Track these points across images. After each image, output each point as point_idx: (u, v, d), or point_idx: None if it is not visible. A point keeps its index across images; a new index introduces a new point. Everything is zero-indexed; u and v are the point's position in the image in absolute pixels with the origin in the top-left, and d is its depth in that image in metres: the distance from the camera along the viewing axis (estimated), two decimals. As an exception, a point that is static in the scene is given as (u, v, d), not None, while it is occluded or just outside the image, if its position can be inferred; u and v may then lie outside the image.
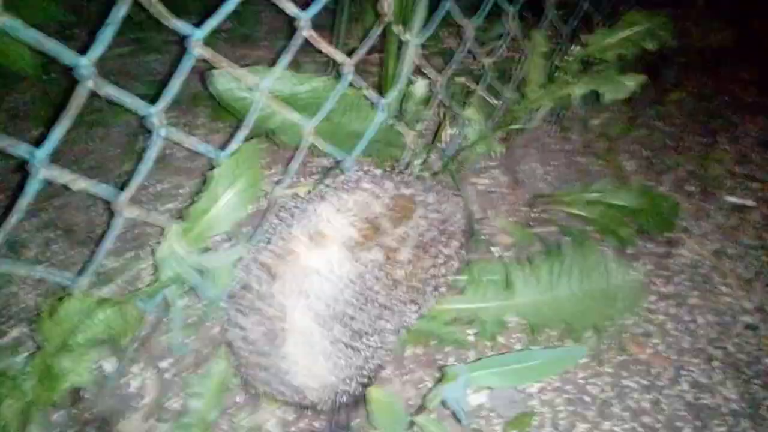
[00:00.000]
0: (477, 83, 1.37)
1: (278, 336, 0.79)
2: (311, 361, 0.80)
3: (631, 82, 1.23)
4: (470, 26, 1.19)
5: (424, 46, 1.13)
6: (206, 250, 0.96)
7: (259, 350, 0.81)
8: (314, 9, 0.92)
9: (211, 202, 0.96)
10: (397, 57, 1.16)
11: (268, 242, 0.85)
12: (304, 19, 0.89)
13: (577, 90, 1.26)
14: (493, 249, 1.31)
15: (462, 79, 1.44)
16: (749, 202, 1.55)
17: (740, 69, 2.01)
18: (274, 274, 0.80)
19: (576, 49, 1.41)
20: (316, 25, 0.92)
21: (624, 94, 1.25)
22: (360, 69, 1.01)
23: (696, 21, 1.86)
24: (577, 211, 1.37)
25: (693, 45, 1.91)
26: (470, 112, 1.29)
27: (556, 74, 1.38)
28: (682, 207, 1.51)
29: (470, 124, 1.30)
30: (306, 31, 0.90)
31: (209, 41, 0.79)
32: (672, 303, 1.28)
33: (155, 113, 0.78)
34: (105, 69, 0.73)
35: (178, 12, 0.75)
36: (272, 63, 0.94)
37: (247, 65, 0.93)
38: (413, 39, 1.11)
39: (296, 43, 0.91)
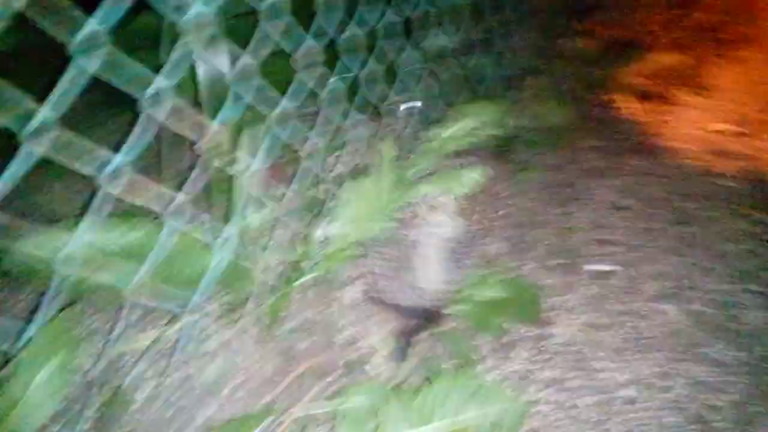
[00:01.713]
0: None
1: (409, 258, 1.25)
2: (429, 272, 1.27)
3: (476, 175, 1.26)
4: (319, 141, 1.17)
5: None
6: None
7: (394, 267, 1.25)
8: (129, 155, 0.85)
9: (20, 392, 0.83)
10: (233, 188, 1.11)
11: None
12: (104, 176, 0.82)
13: (431, 188, 1.27)
14: (367, 368, 1.25)
15: (321, 187, 1.41)
16: (610, 268, 1.62)
17: (585, 138, 2.15)
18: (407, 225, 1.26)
19: (421, 145, 1.44)
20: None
21: (469, 189, 1.27)
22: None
23: (541, 101, 1.99)
24: (448, 311, 1.35)
25: (540, 124, 2.02)
26: (331, 225, 1.26)
27: (406, 175, 1.40)
28: (547, 283, 1.55)
29: (331, 238, 1.26)
30: (113, 186, 0.83)
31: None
32: (552, 390, 1.27)
33: None
34: None
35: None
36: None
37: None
38: (245, 170, 1.08)
39: (102, 199, 0.84)
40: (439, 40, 1.53)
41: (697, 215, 1.82)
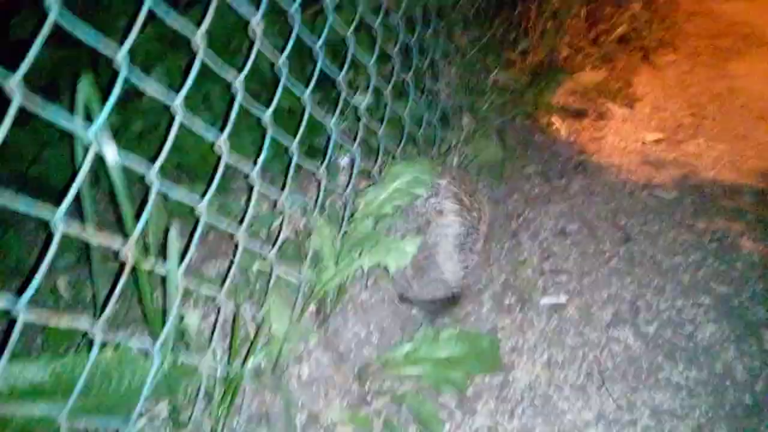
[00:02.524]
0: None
1: (434, 257, 1.46)
2: (450, 264, 1.48)
3: (411, 247, 1.24)
4: (241, 237, 1.14)
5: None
6: None
7: (421, 267, 1.47)
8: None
9: None
10: (167, 287, 1.06)
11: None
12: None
13: (366, 262, 1.25)
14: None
15: (255, 267, 1.38)
16: (564, 299, 1.62)
17: (527, 166, 2.17)
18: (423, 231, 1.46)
19: (357, 211, 1.42)
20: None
21: (407, 259, 1.25)
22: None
23: (478, 136, 2.00)
24: (408, 372, 1.32)
25: (480, 159, 2.02)
26: (268, 311, 1.22)
27: (345, 245, 1.37)
28: (505, 324, 1.55)
29: (272, 323, 1.23)
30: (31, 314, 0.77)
31: None
32: (520, 441, 1.25)
33: None
34: None
35: None
36: None
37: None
38: (173, 271, 1.03)
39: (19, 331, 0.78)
40: (367, 95, 1.52)
41: (643, 231, 1.86)
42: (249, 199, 1.16)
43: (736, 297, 1.60)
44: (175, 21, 0.85)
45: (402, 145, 1.72)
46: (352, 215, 1.46)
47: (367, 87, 1.55)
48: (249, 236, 1.15)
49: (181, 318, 1.11)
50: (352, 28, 1.38)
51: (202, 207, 0.99)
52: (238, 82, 1.01)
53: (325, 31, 1.25)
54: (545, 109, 2.40)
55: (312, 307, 1.41)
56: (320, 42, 1.24)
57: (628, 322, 1.54)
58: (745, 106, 2.64)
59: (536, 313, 1.58)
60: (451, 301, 1.57)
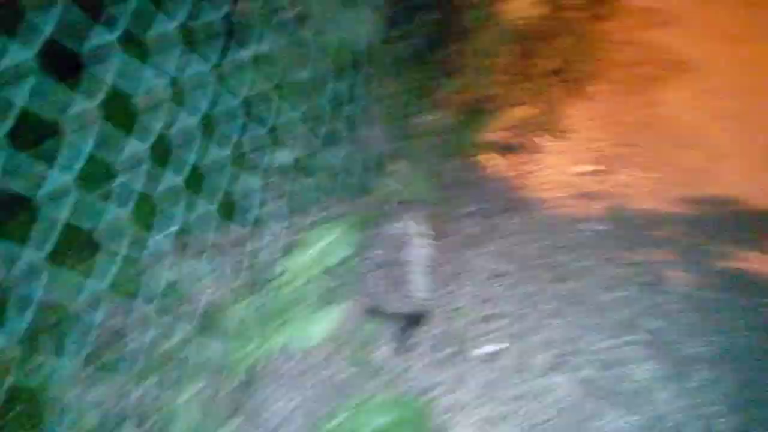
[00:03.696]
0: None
1: (405, 275, 1.54)
2: (422, 283, 1.56)
3: (323, 324, 1.19)
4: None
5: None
6: None
7: (392, 283, 1.54)
8: None
9: None
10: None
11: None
12: None
13: (280, 340, 1.19)
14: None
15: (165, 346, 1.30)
16: (498, 347, 1.59)
17: (457, 207, 2.16)
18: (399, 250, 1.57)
19: (279, 277, 1.37)
20: None
21: (323, 334, 1.20)
22: None
23: (407, 181, 1.98)
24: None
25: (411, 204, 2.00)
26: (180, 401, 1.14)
27: (266, 315, 1.31)
28: (439, 381, 1.49)
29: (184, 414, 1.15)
30: None
31: None
32: None
33: None
34: None
35: None
36: None
37: None
38: (53, 375, 0.95)
39: None
40: (285, 153, 1.48)
41: (572, 268, 1.85)
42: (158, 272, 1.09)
43: (668, 332, 1.60)
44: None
45: (333, 195, 1.69)
46: (273, 280, 1.41)
47: (294, 141, 1.51)
48: (157, 313, 1.09)
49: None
50: (273, 84, 1.35)
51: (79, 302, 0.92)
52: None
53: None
54: (480, 147, 2.41)
55: (231, 385, 1.33)
56: (237, 102, 1.20)
57: (562, 367, 1.51)
58: (672, 134, 2.71)
59: (473, 365, 1.54)
60: (419, 318, 1.62)
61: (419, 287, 1.58)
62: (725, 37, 4.14)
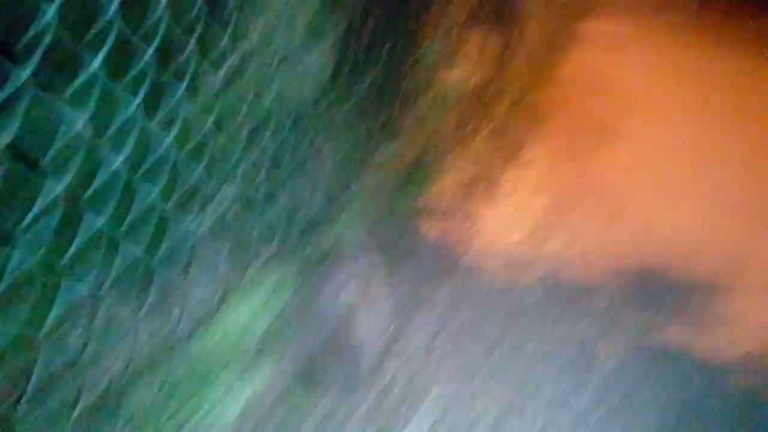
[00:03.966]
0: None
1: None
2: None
3: (246, 392, 1.12)
4: None
5: None
6: None
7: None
8: None
9: None
10: None
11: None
12: None
13: (192, 419, 1.11)
14: None
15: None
16: (431, 422, 1.54)
17: (394, 274, 2.13)
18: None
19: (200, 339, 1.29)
20: None
21: (244, 404, 1.13)
22: None
23: (332, 251, 1.95)
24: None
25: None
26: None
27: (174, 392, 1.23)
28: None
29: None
30: None
31: None
32: None
33: None
34: None
35: None
36: None
37: None
38: None
39: None
40: (207, 215, 1.43)
41: (507, 341, 1.84)
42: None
43: (594, 411, 1.58)
44: None
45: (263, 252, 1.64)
46: (195, 341, 1.33)
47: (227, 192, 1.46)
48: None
49: None
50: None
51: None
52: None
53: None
54: (416, 211, 2.41)
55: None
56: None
57: (491, 449, 1.47)
58: (604, 201, 2.79)
59: None
60: (356, 384, 1.57)
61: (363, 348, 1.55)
62: (657, 109, 4.39)
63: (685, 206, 2.75)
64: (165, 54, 1.17)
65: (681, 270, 2.25)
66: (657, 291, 2.14)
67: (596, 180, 3.02)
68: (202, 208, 1.40)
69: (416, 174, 2.51)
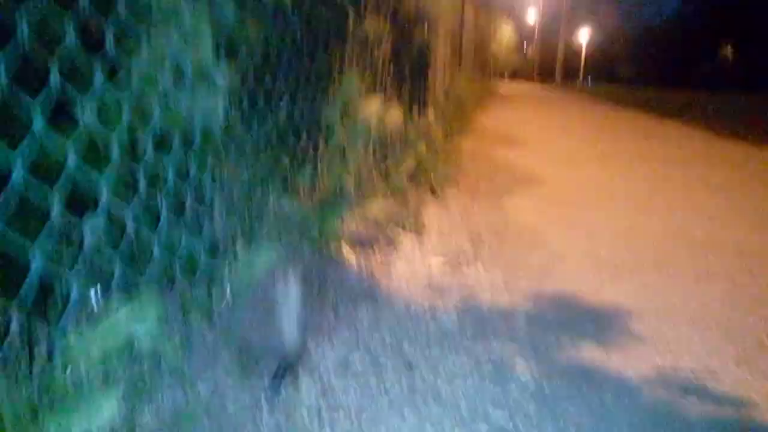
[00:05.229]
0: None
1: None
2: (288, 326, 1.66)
3: (103, 414, 1.01)
4: None
5: None
6: None
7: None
8: None
9: None
10: None
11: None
12: None
13: None
14: None
15: None
16: (339, 441, 1.45)
17: (310, 298, 2.06)
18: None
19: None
20: None
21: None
22: None
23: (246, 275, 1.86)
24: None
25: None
26: None
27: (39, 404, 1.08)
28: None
29: None
30: None
31: None
32: None
33: None
34: None
35: None
36: None
37: None
38: None
39: None
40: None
41: (425, 358, 1.80)
42: None
43: (510, 421, 1.56)
44: None
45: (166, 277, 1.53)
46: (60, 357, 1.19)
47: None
48: None
49: None
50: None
51: None
52: None
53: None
54: (334, 238, 2.37)
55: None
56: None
57: (407, 461, 1.40)
58: (517, 235, 2.89)
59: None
60: (288, 369, 1.61)
61: (285, 330, 1.56)
62: (565, 159, 4.67)
63: (590, 242, 2.89)
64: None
65: (589, 296, 2.33)
66: (569, 314, 2.19)
67: (511, 217, 3.13)
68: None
69: (335, 202, 2.50)
